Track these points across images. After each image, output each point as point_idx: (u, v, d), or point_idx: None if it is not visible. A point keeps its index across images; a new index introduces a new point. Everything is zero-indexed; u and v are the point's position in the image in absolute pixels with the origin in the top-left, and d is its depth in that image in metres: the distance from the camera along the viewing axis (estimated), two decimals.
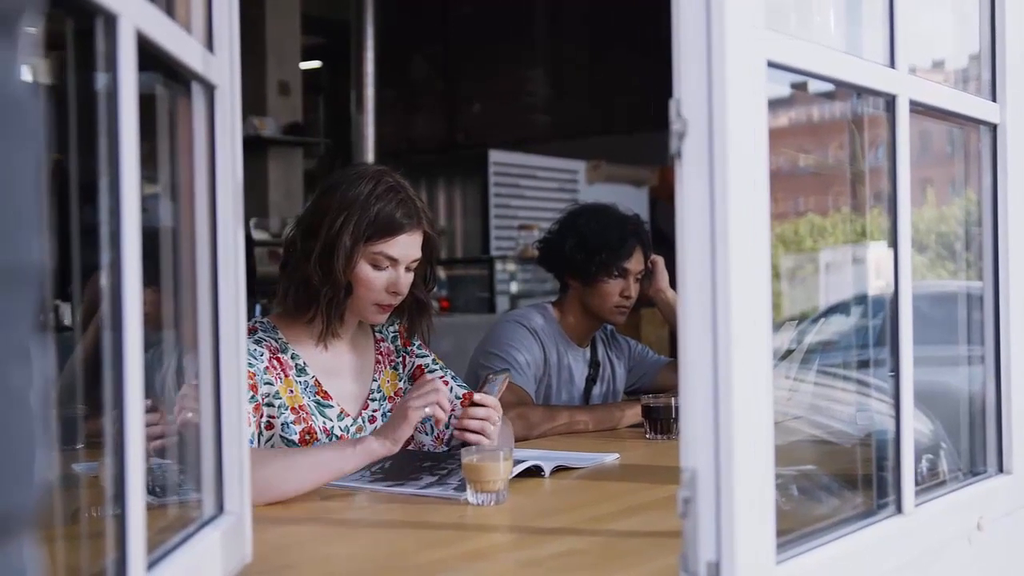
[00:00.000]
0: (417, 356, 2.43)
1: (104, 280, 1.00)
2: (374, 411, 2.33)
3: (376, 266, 2.20)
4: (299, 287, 2.21)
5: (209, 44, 1.34)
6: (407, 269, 2.24)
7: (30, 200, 0.57)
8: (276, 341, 2.23)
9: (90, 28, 0.99)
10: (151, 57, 1.10)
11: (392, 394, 2.37)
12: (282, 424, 2.15)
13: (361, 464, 2.00)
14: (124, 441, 0.99)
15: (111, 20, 0.98)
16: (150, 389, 1.05)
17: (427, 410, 1.99)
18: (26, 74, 0.59)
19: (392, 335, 2.43)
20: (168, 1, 1.23)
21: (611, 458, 2.36)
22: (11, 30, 0.57)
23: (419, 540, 1.69)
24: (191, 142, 1.33)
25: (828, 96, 1.70)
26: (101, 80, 1.00)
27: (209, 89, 1.34)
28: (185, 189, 1.33)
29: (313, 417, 2.20)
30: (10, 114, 0.56)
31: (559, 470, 2.19)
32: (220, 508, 1.35)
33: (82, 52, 1.03)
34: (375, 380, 2.36)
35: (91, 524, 1.32)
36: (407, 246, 2.22)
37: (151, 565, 1.07)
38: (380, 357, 2.39)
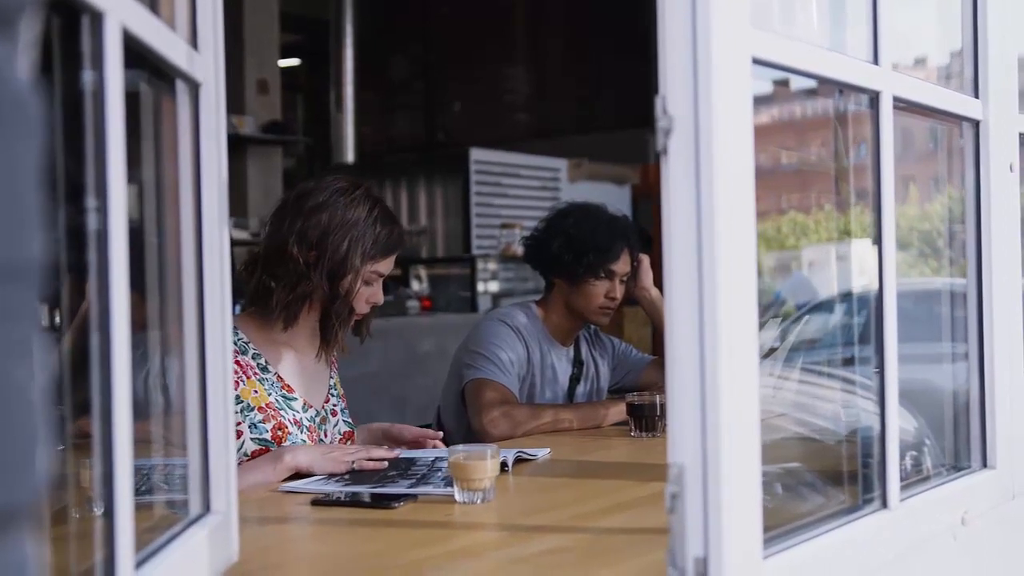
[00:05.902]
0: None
1: (91, 281, 0.99)
2: (334, 405, 2.43)
3: (368, 283, 2.29)
4: (300, 301, 2.25)
5: (193, 41, 1.33)
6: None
7: (31, 196, 0.57)
8: (235, 343, 2.24)
9: (73, 25, 0.98)
10: (135, 54, 1.09)
11: (341, 393, 2.49)
12: (250, 426, 2.18)
13: (283, 476, 2.08)
14: (112, 442, 0.99)
15: (97, 17, 0.98)
16: (134, 390, 1.04)
17: (355, 464, 2.12)
18: (26, 72, 0.59)
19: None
20: None
21: (543, 453, 2.38)
22: (11, 28, 0.57)
23: (406, 539, 1.69)
24: (175, 140, 1.33)
25: (810, 93, 1.71)
26: (86, 77, 0.99)
27: (194, 87, 1.33)
28: (170, 188, 1.33)
29: (282, 412, 2.25)
30: (12, 111, 0.56)
31: (519, 462, 2.24)
32: (207, 507, 1.35)
33: (65, 49, 1.02)
34: (332, 378, 2.46)
35: (73, 524, 1.31)
36: (393, 262, 2.35)
37: (139, 564, 1.07)
38: (333, 358, 2.48)
